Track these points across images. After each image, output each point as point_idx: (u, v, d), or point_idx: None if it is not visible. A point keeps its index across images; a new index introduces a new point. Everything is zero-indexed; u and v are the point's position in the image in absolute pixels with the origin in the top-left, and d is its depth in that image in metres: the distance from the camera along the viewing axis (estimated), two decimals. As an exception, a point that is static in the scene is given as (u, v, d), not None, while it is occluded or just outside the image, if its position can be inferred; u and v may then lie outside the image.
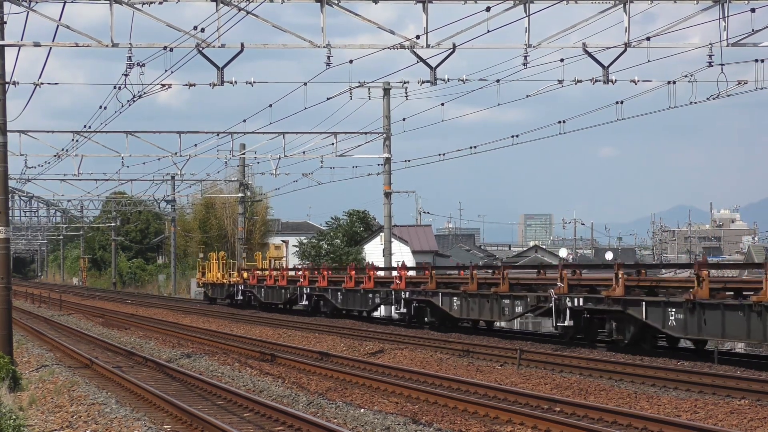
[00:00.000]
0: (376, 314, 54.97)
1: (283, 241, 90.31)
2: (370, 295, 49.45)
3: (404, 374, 28.77)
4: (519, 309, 38.33)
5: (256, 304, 65.18)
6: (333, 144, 59.96)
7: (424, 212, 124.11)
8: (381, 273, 51.57)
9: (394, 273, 47.20)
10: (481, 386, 25.26)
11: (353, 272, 50.96)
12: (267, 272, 62.84)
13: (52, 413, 22.97)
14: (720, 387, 24.63)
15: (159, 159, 65.13)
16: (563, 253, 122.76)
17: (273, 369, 31.03)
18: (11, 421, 20.09)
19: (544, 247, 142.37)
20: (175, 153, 62.40)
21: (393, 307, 47.52)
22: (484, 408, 21.87)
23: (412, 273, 47.40)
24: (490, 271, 43.57)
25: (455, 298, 41.83)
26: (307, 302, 55.61)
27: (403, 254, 76.95)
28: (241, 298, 66.96)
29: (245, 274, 67.45)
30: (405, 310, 46.18)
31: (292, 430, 20.17)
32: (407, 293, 45.05)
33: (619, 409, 21.40)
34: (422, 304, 44.85)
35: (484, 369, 29.94)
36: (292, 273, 61.53)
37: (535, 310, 38.14)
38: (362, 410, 22.01)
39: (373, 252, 79.63)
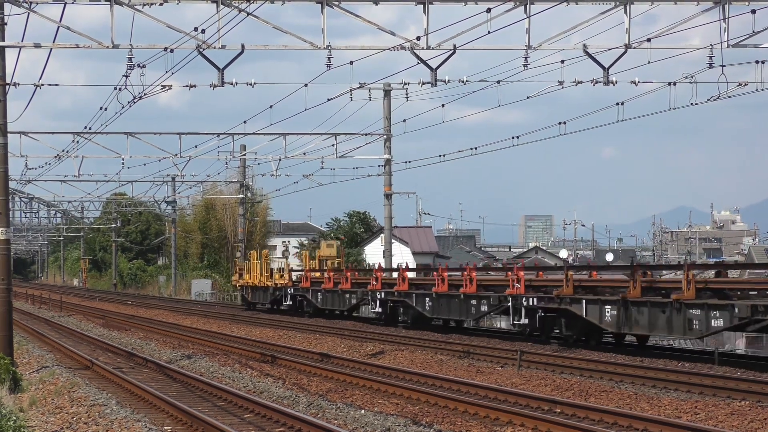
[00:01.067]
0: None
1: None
2: (474, 302, 41.95)
3: (405, 375, 28.77)
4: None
5: (309, 311, 57.71)
6: (333, 145, 59.98)
7: (425, 213, 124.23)
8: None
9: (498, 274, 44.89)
10: (482, 387, 25.26)
11: (446, 273, 43.14)
12: (325, 274, 54.84)
13: (53, 414, 22.97)
14: (720, 388, 24.62)
15: (159, 160, 65.18)
16: (564, 254, 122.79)
17: (273, 370, 31.03)
18: (12, 422, 20.09)
19: (544, 248, 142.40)
20: (176, 154, 62.42)
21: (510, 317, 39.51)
22: (484, 409, 21.86)
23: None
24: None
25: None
26: (381, 309, 47.80)
27: (403, 255, 77.02)
28: (290, 303, 59.51)
29: (295, 276, 61.19)
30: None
31: (292, 431, 20.17)
32: (532, 300, 37.63)
33: (620, 410, 21.39)
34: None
35: (485, 370, 29.93)
36: (358, 274, 55.83)
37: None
38: (363, 411, 22.01)
39: (373, 253, 79.70)
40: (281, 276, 61.34)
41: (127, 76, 31.90)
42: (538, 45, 31.70)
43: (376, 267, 51.54)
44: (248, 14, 29.88)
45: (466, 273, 41.71)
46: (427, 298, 43.91)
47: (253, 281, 65.53)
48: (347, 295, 51.60)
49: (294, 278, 60.48)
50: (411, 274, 48.11)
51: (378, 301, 47.28)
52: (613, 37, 32.24)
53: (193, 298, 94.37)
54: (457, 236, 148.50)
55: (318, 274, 57.78)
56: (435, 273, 44.44)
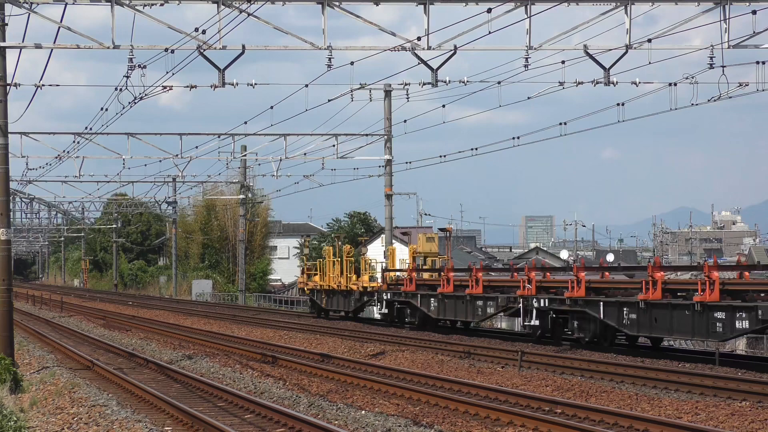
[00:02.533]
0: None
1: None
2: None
3: (405, 376, 28.77)
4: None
5: (414, 321, 46.95)
6: (334, 146, 59.98)
7: (425, 214, 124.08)
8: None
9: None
10: (483, 388, 25.26)
11: (662, 273, 32.16)
12: (443, 275, 44.33)
13: (53, 415, 22.97)
14: (721, 389, 24.63)
15: (160, 161, 65.23)
16: (564, 254, 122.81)
17: (274, 371, 31.03)
18: (12, 422, 20.09)
19: (545, 248, 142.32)
20: (177, 155, 62.43)
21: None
22: (485, 410, 21.86)
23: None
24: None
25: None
26: (538, 321, 37.16)
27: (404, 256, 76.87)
28: (386, 311, 49.00)
29: (393, 276, 50.72)
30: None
31: (293, 432, 20.18)
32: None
33: (621, 410, 21.39)
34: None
35: (486, 371, 29.93)
36: (493, 275, 46.47)
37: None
38: (363, 412, 22.01)
39: (374, 254, 79.60)
40: (371, 277, 52.54)
41: (127, 77, 31.92)
42: (538, 45, 31.70)
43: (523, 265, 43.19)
44: (249, 15, 29.89)
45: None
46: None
47: (329, 284, 55.92)
48: (479, 303, 41.65)
49: (389, 280, 50.19)
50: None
51: (534, 312, 37.12)
52: (614, 38, 32.25)
53: (193, 298, 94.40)
54: (458, 237, 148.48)
55: (428, 275, 48.19)
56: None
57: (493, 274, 47.78)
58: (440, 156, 55.52)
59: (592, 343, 34.69)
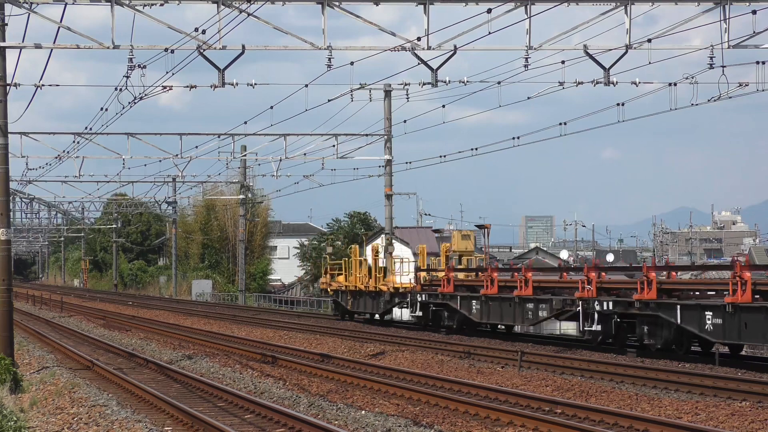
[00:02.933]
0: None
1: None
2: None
3: (405, 376, 28.77)
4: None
5: (453, 325, 43.70)
6: (334, 146, 59.96)
7: (425, 214, 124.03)
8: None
9: None
10: (483, 388, 25.25)
11: (749, 274, 29.29)
12: (485, 275, 41.36)
13: (53, 415, 22.96)
14: (721, 389, 24.63)
15: (160, 161, 65.21)
16: (564, 254, 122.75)
17: (274, 371, 31.03)
18: (12, 422, 20.09)
19: (545, 248, 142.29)
20: (176, 155, 62.40)
21: None
22: (485, 410, 21.86)
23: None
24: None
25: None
26: (600, 326, 34.51)
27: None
28: (420, 314, 46.15)
29: (426, 276, 47.73)
30: None
31: (293, 432, 20.18)
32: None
33: (621, 410, 21.39)
34: None
35: (486, 371, 29.93)
36: (542, 275, 43.06)
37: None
38: (363, 412, 22.01)
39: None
40: (404, 276, 50.52)
41: (127, 77, 31.92)
42: (538, 45, 31.70)
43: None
44: (249, 15, 29.88)
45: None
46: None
47: (355, 284, 52.35)
48: (529, 305, 38.71)
49: (422, 280, 47.01)
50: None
51: (596, 315, 34.61)
52: (614, 38, 32.25)
53: (193, 298, 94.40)
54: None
55: (464, 275, 45.63)
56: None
57: (541, 274, 44.13)
58: (440, 156, 55.53)
59: (663, 351, 31.84)
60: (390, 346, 37.95)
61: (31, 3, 29.78)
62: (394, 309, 51.62)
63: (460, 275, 45.64)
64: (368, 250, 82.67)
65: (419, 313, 45.94)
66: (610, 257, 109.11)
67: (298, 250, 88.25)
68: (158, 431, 20.34)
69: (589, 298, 34.44)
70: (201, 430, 20.41)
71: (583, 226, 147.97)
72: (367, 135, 60.55)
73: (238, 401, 23.86)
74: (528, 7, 30.54)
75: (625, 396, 24.34)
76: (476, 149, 52.60)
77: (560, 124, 43.99)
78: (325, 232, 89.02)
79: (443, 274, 44.21)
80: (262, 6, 29.72)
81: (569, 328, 48.63)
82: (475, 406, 22.27)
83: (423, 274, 47.58)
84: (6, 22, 30.07)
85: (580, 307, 34.79)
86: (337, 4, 30.24)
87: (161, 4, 29.76)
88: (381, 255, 52.37)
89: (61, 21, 30.35)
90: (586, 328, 34.63)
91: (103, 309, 71.64)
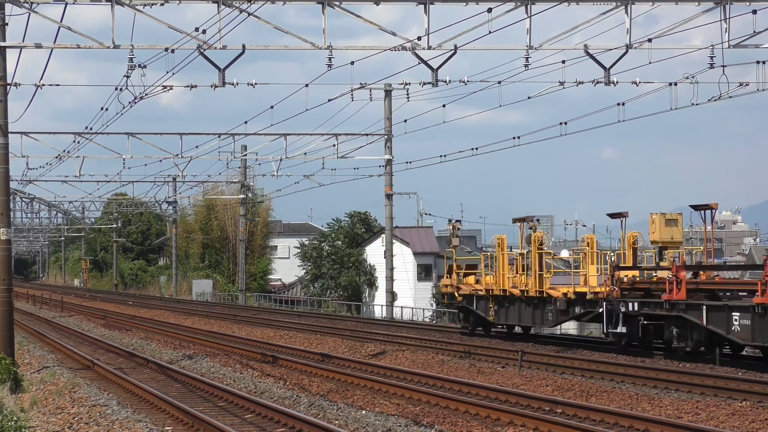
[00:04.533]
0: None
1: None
2: None
3: (406, 376, 28.77)
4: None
5: (686, 347, 31.14)
6: (334, 145, 60.00)
7: (426, 214, 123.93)
8: None
9: None
10: (483, 388, 25.25)
11: None
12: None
13: (54, 415, 22.97)
14: (721, 389, 24.63)
15: (160, 160, 65.29)
16: (565, 254, 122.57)
17: (274, 371, 31.03)
18: (12, 422, 20.09)
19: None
20: (177, 154, 62.47)
21: None
22: (485, 409, 21.86)
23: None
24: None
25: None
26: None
27: (404, 256, 76.99)
28: (624, 330, 33.25)
29: (628, 277, 34.63)
30: None
31: (293, 432, 20.18)
32: None
33: (621, 410, 21.39)
34: None
35: (486, 370, 29.93)
36: None
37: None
38: (364, 412, 22.01)
39: (374, 254, 79.67)
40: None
41: (128, 77, 31.94)
42: (539, 45, 31.71)
43: None
44: (249, 14, 29.89)
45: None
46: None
47: (503, 286, 39.44)
48: None
49: (624, 280, 34.25)
50: None
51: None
52: (614, 38, 32.27)
53: (194, 298, 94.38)
54: (459, 236, 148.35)
55: (718, 276, 34.81)
56: None
57: None
58: (440, 156, 55.56)
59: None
60: (390, 345, 37.95)
61: (32, 3, 29.79)
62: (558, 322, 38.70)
63: (716, 276, 34.57)
64: (368, 249, 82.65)
65: (621, 329, 33.29)
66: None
67: (299, 250, 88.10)
68: (159, 431, 20.34)
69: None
70: (201, 429, 20.42)
71: (584, 226, 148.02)
72: (367, 135, 60.63)
73: (238, 401, 23.85)
74: (528, 6, 30.55)
75: (626, 396, 24.34)
76: (476, 149, 52.71)
77: (560, 123, 44.07)
78: (326, 231, 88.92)
79: (670, 273, 31.72)
80: (263, 6, 29.75)
81: (570, 327, 48.54)
82: (476, 406, 22.27)
83: (625, 273, 34.71)
84: (6, 21, 30.08)
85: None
86: (337, 3, 30.25)
87: (161, 4, 29.77)
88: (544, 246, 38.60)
89: (61, 21, 30.38)
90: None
91: (103, 309, 71.61)
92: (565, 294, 36.25)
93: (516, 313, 39.33)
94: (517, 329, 41.32)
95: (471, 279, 42.53)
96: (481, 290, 41.08)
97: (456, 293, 42.73)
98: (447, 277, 43.51)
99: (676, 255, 35.59)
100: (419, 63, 32.25)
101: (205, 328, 50.62)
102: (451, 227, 43.96)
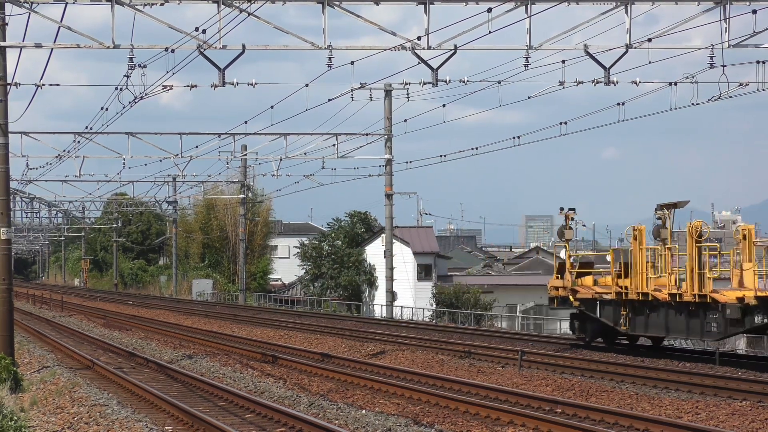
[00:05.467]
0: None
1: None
2: None
3: (406, 375, 28.77)
4: None
5: None
6: (334, 145, 60.00)
7: (426, 213, 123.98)
8: None
9: None
10: (483, 387, 25.26)
11: None
12: None
13: (54, 414, 22.97)
14: (721, 388, 24.64)
15: (160, 160, 65.24)
16: (564, 254, 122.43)
17: (274, 370, 31.03)
18: (12, 422, 20.09)
19: (545, 248, 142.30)
20: (177, 154, 62.46)
21: None
22: (485, 409, 21.87)
23: None
24: None
25: None
26: None
27: (404, 255, 76.98)
28: None
29: None
30: None
31: (293, 431, 20.19)
32: None
33: (621, 410, 21.40)
34: None
35: (486, 370, 29.93)
36: None
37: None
38: (363, 411, 22.02)
39: (374, 253, 79.66)
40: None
41: (128, 76, 31.95)
42: (539, 45, 31.71)
43: None
44: (249, 14, 29.89)
45: None
46: None
47: (642, 288, 32.59)
48: None
49: None
50: None
51: None
52: (614, 37, 32.27)
53: (194, 298, 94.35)
54: (458, 236, 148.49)
55: None
56: None
57: None
58: (440, 156, 55.56)
59: None
60: (390, 345, 37.95)
61: (32, 2, 29.79)
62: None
63: None
64: (368, 249, 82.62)
65: None
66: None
67: (299, 250, 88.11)
68: (159, 431, 20.34)
69: None
70: (201, 429, 20.42)
71: (584, 226, 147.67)
72: (367, 134, 60.63)
73: (238, 401, 23.86)
74: (528, 6, 30.55)
75: (626, 395, 24.34)
76: (476, 149, 52.72)
77: (560, 123, 44.07)
78: (326, 231, 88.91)
79: None
80: (263, 5, 29.75)
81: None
82: (476, 406, 22.28)
83: None
84: (6, 21, 30.09)
85: None
86: (337, 3, 30.25)
87: (161, 4, 29.77)
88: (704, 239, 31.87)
89: (61, 20, 30.39)
90: None
91: (103, 308, 71.61)
92: (740, 299, 28.81)
93: (661, 322, 32.00)
94: (643, 340, 35.33)
95: (588, 280, 35.56)
96: (608, 293, 33.98)
97: (571, 297, 35.32)
98: (557, 277, 36.49)
99: None
100: (419, 63, 32.25)
101: (205, 328, 50.61)
102: (563, 216, 36.78)
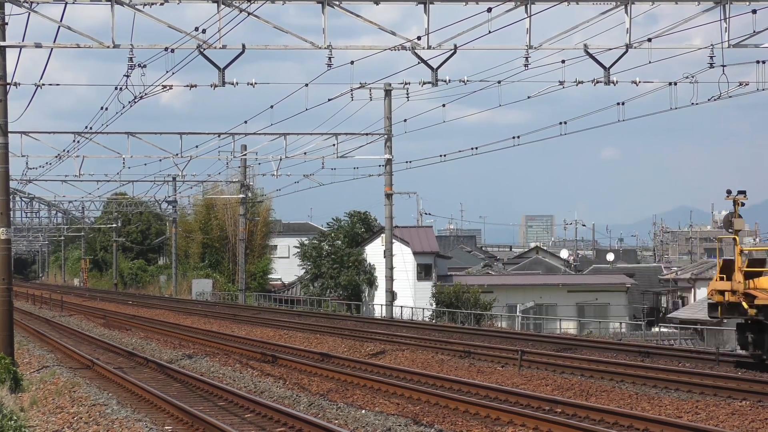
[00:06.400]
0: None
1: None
2: None
3: (405, 375, 28.77)
4: None
5: None
6: (334, 145, 59.96)
7: (425, 213, 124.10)
8: None
9: None
10: (483, 387, 25.26)
11: None
12: None
13: (54, 414, 22.97)
14: (721, 388, 24.63)
15: (160, 160, 65.18)
16: (564, 254, 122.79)
17: (274, 370, 31.03)
18: (12, 422, 20.09)
19: (545, 248, 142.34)
20: (177, 154, 62.42)
21: None
22: (485, 409, 21.87)
23: None
24: None
25: None
26: None
27: (404, 255, 76.96)
28: None
29: None
30: None
31: (293, 431, 20.17)
32: None
33: (621, 410, 21.40)
34: None
35: (486, 370, 29.93)
36: None
37: None
38: (363, 411, 22.01)
39: (374, 253, 79.65)
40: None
41: (128, 76, 31.95)
42: (538, 45, 31.70)
43: None
44: (249, 14, 29.88)
45: None
46: None
47: None
48: None
49: None
50: None
51: None
52: (614, 37, 32.27)
53: (194, 298, 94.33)
54: (458, 236, 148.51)
55: None
56: None
57: None
58: (440, 155, 55.54)
59: None
60: (390, 345, 37.94)
61: (32, 2, 29.79)
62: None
63: None
64: (368, 249, 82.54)
65: None
66: (610, 257, 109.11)
67: (298, 250, 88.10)
68: (158, 430, 20.34)
69: None
70: (201, 429, 20.42)
71: (584, 226, 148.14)
72: (367, 134, 60.60)
73: (238, 400, 23.86)
74: (528, 6, 30.54)
75: (626, 395, 24.34)
76: (476, 149, 52.67)
77: (560, 123, 44.04)
78: (325, 231, 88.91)
79: None
80: (263, 5, 29.74)
81: (570, 327, 48.59)
82: (476, 406, 22.28)
83: None
84: (6, 21, 30.09)
85: None
86: (337, 3, 30.24)
87: (161, 4, 29.76)
88: None
89: (61, 20, 30.37)
90: None
91: (103, 308, 71.61)
92: None
93: None
94: None
95: (764, 281, 28.81)
96: None
97: (745, 303, 28.55)
98: (719, 278, 29.63)
99: None
100: (419, 63, 32.24)
101: (204, 328, 50.61)
102: (732, 201, 30.17)
